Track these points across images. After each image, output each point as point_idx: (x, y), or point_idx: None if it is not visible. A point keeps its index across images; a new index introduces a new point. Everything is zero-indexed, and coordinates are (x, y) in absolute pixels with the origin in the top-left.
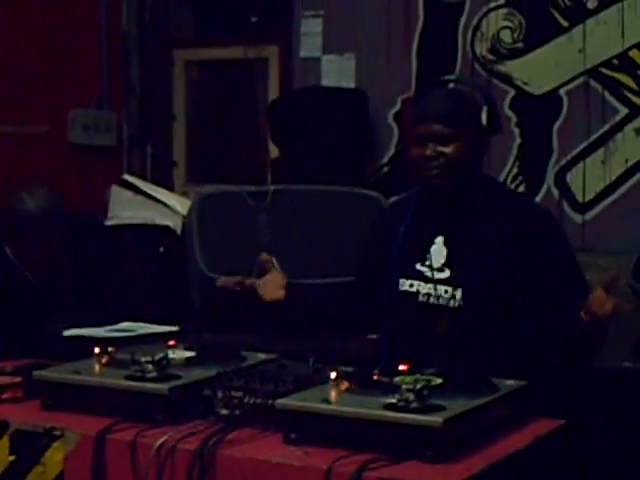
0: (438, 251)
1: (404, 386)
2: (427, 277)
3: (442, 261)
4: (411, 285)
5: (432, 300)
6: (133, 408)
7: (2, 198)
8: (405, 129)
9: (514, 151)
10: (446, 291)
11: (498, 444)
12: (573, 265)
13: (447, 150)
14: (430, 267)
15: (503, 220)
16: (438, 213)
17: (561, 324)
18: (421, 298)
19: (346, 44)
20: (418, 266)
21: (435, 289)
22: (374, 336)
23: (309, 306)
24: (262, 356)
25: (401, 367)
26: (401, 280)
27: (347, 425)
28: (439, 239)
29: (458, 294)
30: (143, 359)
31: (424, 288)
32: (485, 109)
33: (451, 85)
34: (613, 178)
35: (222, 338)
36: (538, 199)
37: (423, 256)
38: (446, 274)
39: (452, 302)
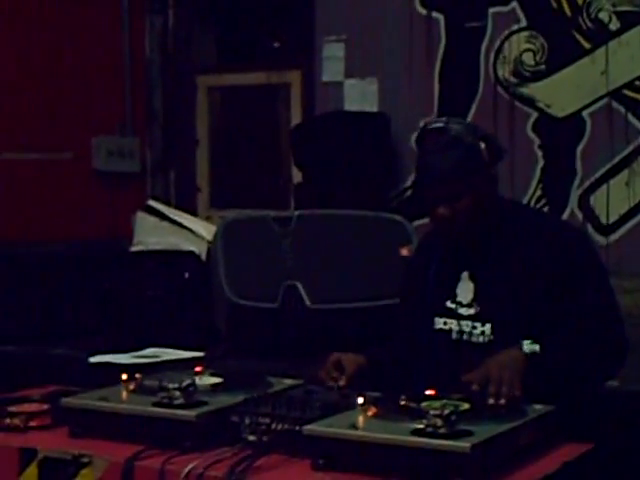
0: (465, 287)
1: (432, 411)
2: (458, 314)
3: (470, 297)
4: (445, 323)
5: (465, 337)
6: (161, 435)
7: (29, 227)
8: None
9: (537, 173)
10: (475, 327)
11: (527, 469)
12: (589, 291)
13: (459, 206)
14: (460, 304)
15: (528, 246)
16: (462, 248)
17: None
18: (454, 336)
19: (368, 68)
20: (449, 303)
21: (466, 326)
22: None
23: (335, 331)
24: (289, 382)
25: (428, 392)
26: (435, 318)
27: (375, 451)
28: (464, 274)
29: (487, 329)
30: (170, 385)
31: (456, 325)
32: (482, 145)
33: (442, 133)
34: (637, 200)
35: (248, 364)
36: None
37: (452, 293)
38: (475, 309)
39: (482, 338)
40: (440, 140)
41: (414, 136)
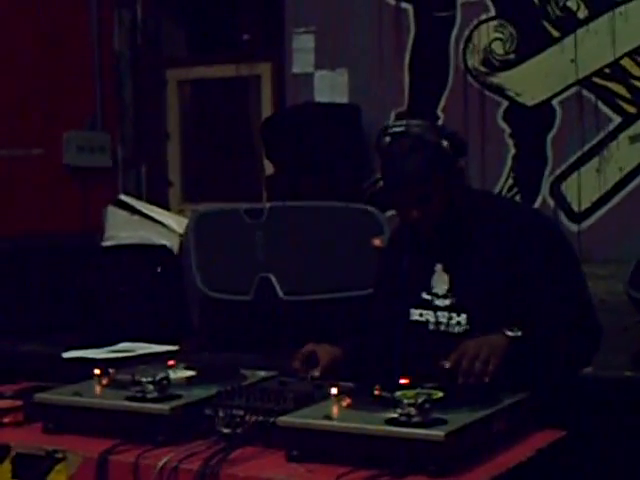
0: (440, 278)
1: (405, 400)
2: (434, 305)
3: (446, 288)
4: (421, 315)
5: (442, 328)
6: (135, 429)
7: (0, 222)
8: None
9: (509, 162)
10: (451, 318)
11: (501, 456)
12: (562, 279)
13: (431, 206)
14: (436, 295)
15: (499, 236)
16: (434, 241)
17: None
18: (431, 327)
19: (338, 59)
20: (424, 295)
21: (442, 317)
22: None
23: (309, 322)
24: (262, 374)
25: (402, 381)
26: (411, 310)
27: (349, 441)
28: (439, 266)
29: (463, 319)
30: (144, 379)
31: (432, 317)
32: (445, 143)
33: (404, 136)
34: (608, 187)
35: (222, 357)
36: None
37: (427, 285)
38: (450, 300)
39: (458, 328)
40: (403, 143)
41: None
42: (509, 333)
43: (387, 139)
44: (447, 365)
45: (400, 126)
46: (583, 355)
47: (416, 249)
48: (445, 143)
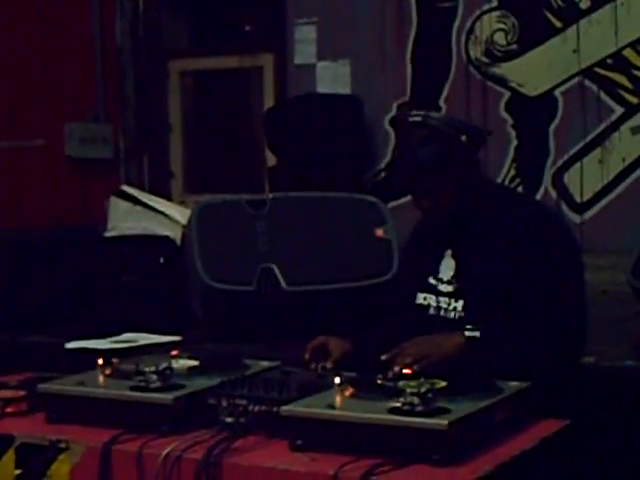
0: (447, 264)
1: (408, 390)
2: (437, 290)
3: (451, 274)
4: (424, 299)
5: (441, 313)
6: (138, 419)
7: (3, 214)
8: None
9: (511, 153)
10: (449, 303)
11: (503, 445)
12: (555, 279)
13: (443, 196)
14: (441, 280)
15: (504, 227)
16: (446, 227)
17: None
18: (432, 311)
19: (340, 50)
20: (431, 279)
21: (443, 302)
22: None
23: (311, 312)
24: (265, 364)
25: (405, 371)
26: (417, 294)
27: (352, 430)
28: (448, 252)
29: (459, 306)
30: (147, 369)
31: (434, 301)
32: (463, 138)
33: (422, 127)
34: (611, 177)
35: (224, 347)
36: None
37: (435, 269)
38: (453, 286)
39: (454, 314)
40: (420, 134)
41: (387, 118)
42: (467, 333)
43: (405, 126)
44: (383, 357)
45: (418, 115)
46: (557, 355)
47: (430, 234)
48: (463, 137)
